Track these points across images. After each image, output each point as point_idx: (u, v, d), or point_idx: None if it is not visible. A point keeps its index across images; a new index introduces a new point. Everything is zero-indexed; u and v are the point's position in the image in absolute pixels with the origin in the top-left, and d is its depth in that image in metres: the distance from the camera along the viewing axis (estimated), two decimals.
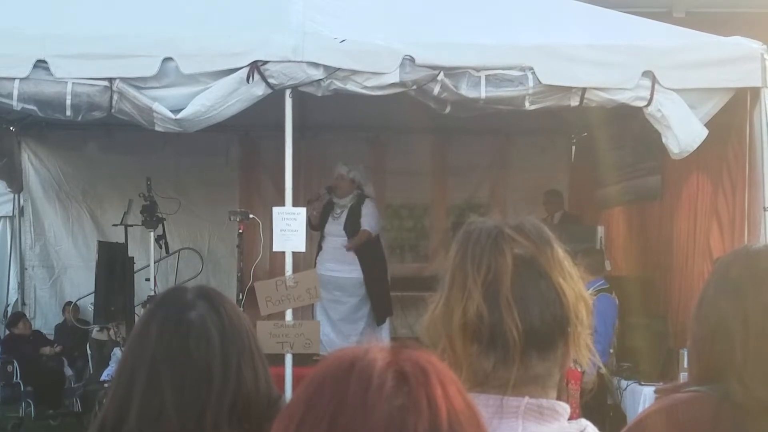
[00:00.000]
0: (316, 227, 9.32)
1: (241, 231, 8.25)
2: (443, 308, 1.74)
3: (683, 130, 7.05)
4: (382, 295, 9.42)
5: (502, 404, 1.67)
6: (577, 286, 1.75)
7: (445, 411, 1.12)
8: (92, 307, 9.53)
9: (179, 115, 6.79)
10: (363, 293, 9.29)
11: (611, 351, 8.03)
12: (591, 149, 10.90)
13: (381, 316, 9.39)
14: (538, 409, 1.68)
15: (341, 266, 9.22)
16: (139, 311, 8.41)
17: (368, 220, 9.33)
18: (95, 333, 10.58)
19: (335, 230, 9.31)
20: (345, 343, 8.89)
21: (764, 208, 7.12)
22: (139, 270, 8.97)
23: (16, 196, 11.20)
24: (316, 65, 6.82)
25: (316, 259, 9.29)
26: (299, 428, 1.14)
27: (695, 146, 7.13)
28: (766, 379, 1.93)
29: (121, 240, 8.91)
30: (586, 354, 1.77)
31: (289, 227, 7.03)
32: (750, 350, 1.96)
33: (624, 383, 7.73)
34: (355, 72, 6.88)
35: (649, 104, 7.06)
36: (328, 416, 1.12)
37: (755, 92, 7.24)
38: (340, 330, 9.12)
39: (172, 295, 2.13)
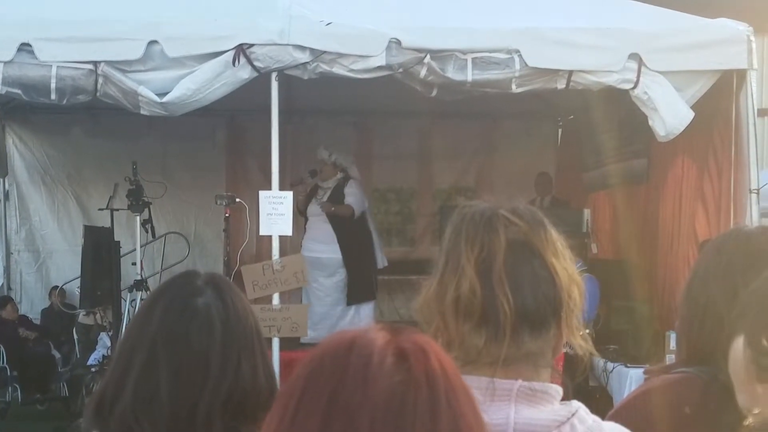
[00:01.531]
0: (303, 212, 9.28)
1: (227, 215, 8.23)
2: (437, 288, 1.74)
3: (669, 113, 7.06)
4: (360, 277, 9.28)
5: (494, 387, 1.67)
6: (569, 268, 1.75)
7: (443, 388, 1.15)
8: (79, 292, 9.50)
9: (165, 99, 6.76)
10: (343, 274, 9.19)
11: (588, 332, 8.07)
12: (577, 132, 10.92)
13: (354, 297, 9.23)
14: (531, 392, 1.68)
15: (321, 246, 9.11)
16: (126, 295, 8.39)
17: (352, 199, 9.25)
18: (82, 317, 10.56)
19: (316, 210, 9.27)
20: (324, 323, 8.87)
21: (750, 190, 7.14)
22: (126, 254, 8.93)
23: (1, 180, 11.15)
24: (302, 48, 6.80)
25: (301, 243, 9.24)
26: (299, 404, 1.15)
27: (681, 129, 7.13)
28: None
29: (107, 224, 8.87)
30: (578, 337, 1.77)
31: (275, 211, 7.02)
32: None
33: (610, 365, 7.76)
34: (341, 55, 6.86)
35: (635, 87, 7.06)
36: (328, 391, 1.13)
37: (741, 74, 7.24)
38: (316, 310, 8.99)
39: (183, 278, 2.10)
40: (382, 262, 9.62)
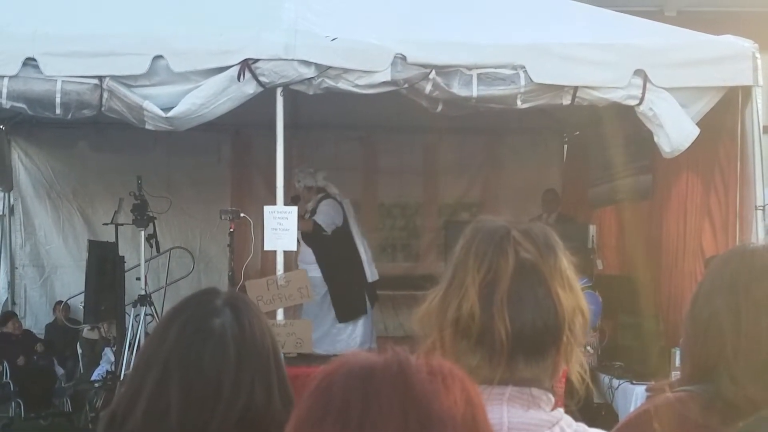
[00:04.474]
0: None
1: (232, 230, 8.22)
2: (440, 301, 1.75)
3: (675, 129, 7.05)
4: (347, 294, 9.26)
5: (487, 392, 1.68)
6: (576, 298, 1.75)
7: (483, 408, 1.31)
8: (83, 307, 9.49)
9: (170, 114, 6.76)
10: (324, 292, 9.13)
11: (589, 350, 8.03)
12: (583, 148, 10.91)
13: (344, 314, 9.23)
14: (522, 395, 1.70)
15: (305, 266, 9.02)
16: (130, 311, 8.38)
17: (321, 218, 9.29)
18: (86, 332, 10.56)
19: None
20: (322, 340, 8.80)
21: (756, 207, 7.12)
22: (130, 269, 8.94)
23: (7, 195, 11.16)
24: (307, 63, 6.81)
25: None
26: (364, 420, 1.21)
27: (687, 145, 7.13)
28: (757, 376, 1.92)
29: (112, 239, 8.86)
30: (576, 367, 1.77)
31: (280, 226, 7.01)
32: (741, 347, 1.95)
33: (616, 382, 7.72)
34: (346, 70, 6.86)
35: (640, 103, 7.06)
36: (397, 409, 1.21)
37: (747, 91, 7.24)
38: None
39: (202, 297, 2.06)
40: (372, 275, 9.53)
